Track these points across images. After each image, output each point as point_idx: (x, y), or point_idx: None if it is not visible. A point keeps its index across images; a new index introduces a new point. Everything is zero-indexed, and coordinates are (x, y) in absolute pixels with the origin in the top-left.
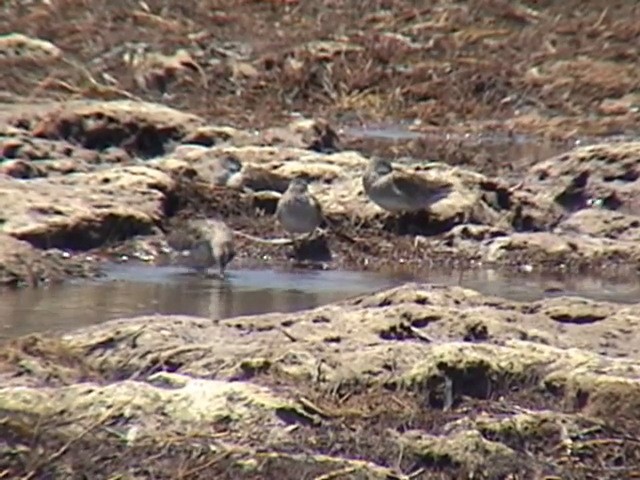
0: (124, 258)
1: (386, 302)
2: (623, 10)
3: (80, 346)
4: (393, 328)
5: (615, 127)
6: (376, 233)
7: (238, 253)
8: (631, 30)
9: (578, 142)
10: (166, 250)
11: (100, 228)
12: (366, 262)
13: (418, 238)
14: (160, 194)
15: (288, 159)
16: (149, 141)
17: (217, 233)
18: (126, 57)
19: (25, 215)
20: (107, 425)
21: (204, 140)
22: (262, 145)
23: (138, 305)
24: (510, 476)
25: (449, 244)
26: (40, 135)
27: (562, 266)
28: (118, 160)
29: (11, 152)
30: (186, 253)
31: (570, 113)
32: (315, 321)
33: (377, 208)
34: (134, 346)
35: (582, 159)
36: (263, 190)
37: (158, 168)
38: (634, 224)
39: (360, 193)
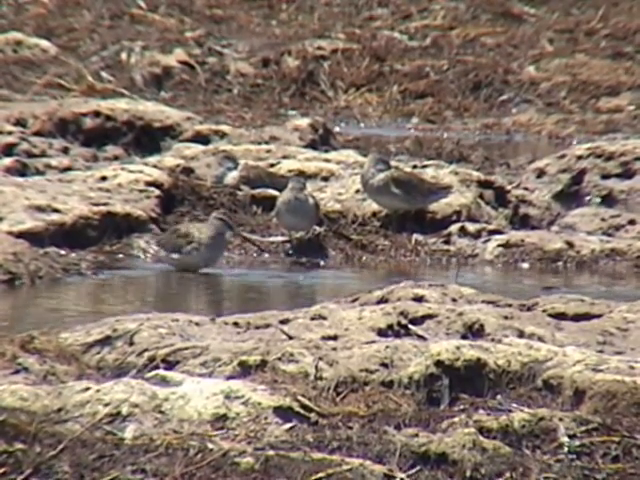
0: (121, 256)
1: (383, 300)
2: (620, 8)
3: (77, 344)
4: (390, 326)
5: (612, 125)
6: (373, 231)
7: (235, 251)
8: (628, 28)
9: (575, 140)
10: (153, 249)
11: (97, 226)
12: (363, 260)
13: (415, 236)
14: (157, 192)
15: (285, 157)
16: (146, 139)
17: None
18: (123, 55)
19: (22, 213)
20: (104, 423)
21: (201, 138)
22: (259, 143)
23: (135, 303)
24: (507, 474)
25: (446, 242)
26: (37, 133)
27: (559, 264)
28: (115, 158)
29: (8, 150)
30: (175, 256)
31: (567, 111)
32: (312, 319)
33: (374, 206)
34: (131, 344)
35: (579, 157)
36: (260, 188)
37: (155, 166)
38: (631, 222)
39: (357, 191)
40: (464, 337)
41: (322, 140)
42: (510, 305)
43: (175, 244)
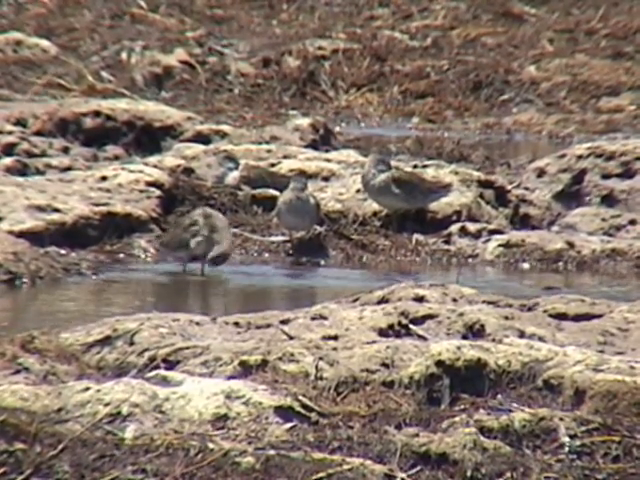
0: (122, 256)
1: (384, 300)
2: (620, 8)
3: (78, 344)
4: (391, 326)
5: (613, 125)
6: (374, 231)
7: (236, 251)
8: (628, 28)
9: (576, 140)
10: (155, 249)
11: (98, 226)
12: (364, 260)
13: (416, 236)
14: (158, 192)
15: (286, 157)
16: (147, 139)
17: (223, 233)
18: (124, 55)
19: (23, 213)
20: (105, 423)
21: (202, 138)
22: (260, 143)
23: (135, 303)
24: (508, 474)
25: (447, 242)
26: (38, 133)
27: (560, 264)
28: (116, 158)
29: (9, 150)
30: (181, 253)
31: (568, 111)
32: (313, 319)
33: (375, 206)
34: (132, 344)
35: (580, 157)
36: (261, 188)
37: (156, 166)
38: (632, 222)
39: (358, 191)
40: (465, 337)
41: (323, 140)
42: (511, 305)
43: (182, 239)
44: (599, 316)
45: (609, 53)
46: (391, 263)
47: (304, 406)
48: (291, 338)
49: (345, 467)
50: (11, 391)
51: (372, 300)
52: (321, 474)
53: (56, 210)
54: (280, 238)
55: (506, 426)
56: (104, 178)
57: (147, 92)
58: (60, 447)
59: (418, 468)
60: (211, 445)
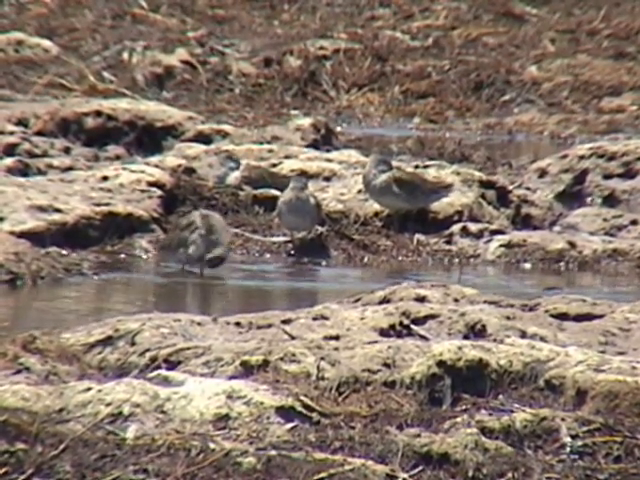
0: (123, 256)
1: (385, 300)
2: (622, 8)
3: (79, 344)
4: (392, 326)
5: (614, 125)
6: (375, 231)
7: (237, 251)
8: (630, 28)
9: (577, 140)
10: (156, 251)
11: (99, 226)
12: (365, 260)
13: (417, 236)
14: (159, 192)
15: (287, 157)
16: (148, 139)
17: (220, 234)
18: (125, 55)
19: (24, 213)
20: (106, 423)
21: (203, 138)
22: (261, 143)
23: (137, 303)
24: (509, 474)
25: (448, 242)
26: (39, 133)
27: (561, 264)
28: (117, 158)
29: (10, 150)
30: (182, 251)
31: (569, 111)
32: (314, 319)
33: (376, 206)
34: (133, 344)
35: (581, 157)
36: (262, 188)
37: (157, 166)
38: (633, 222)
39: (359, 191)
40: (466, 337)
41: (324, 140)
42: (512, 305)
43: (180, 239)
44: (600, 316)
45: (611, 53)
46: (392, 263)
47: (305, 406)
48: (293, 338)
49: (347, 467)
50: (12, 391)
51: (373, 300)
52: (323, 474)
53: (57, 210)
54: (281, 238)
55: (507, 426)
56: (105, 178)
57: (148, 92)
58: (61, 447)
59: (420, 468)
60: (212, 445)
